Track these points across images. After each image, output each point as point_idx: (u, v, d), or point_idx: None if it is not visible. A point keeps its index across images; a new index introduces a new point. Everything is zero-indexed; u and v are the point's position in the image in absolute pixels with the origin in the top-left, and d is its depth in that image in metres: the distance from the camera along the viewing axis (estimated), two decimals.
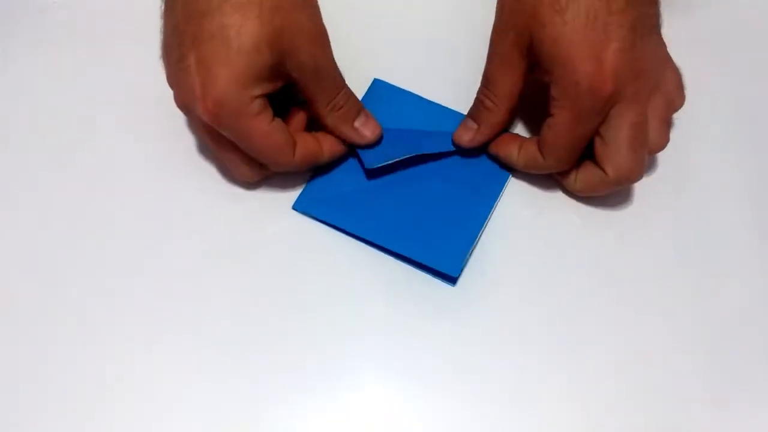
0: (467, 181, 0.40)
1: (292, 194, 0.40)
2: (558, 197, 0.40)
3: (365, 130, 0.39)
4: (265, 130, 0.35)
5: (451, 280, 0.38)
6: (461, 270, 0.38)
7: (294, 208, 0.40)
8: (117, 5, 0.46)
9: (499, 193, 0.40)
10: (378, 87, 0.42)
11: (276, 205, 0.40)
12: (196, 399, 0.36)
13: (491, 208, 0.39)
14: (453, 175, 0.40)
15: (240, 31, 0.33)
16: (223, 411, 0.35)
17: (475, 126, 0.39)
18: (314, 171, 0.40)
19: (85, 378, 0.36)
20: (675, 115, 0.39)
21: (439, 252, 0.38)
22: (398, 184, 0.40)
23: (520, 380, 0.36)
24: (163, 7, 0.36)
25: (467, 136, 0.39)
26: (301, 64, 0.35)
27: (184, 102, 0.36)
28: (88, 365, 0.36)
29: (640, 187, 0.40)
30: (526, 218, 0.39)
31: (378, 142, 0.40)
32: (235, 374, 0.36)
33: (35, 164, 0.41)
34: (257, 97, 0.35)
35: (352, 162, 0.41)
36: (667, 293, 0.38)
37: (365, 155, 0.39)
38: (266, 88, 0.35)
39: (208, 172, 0.41)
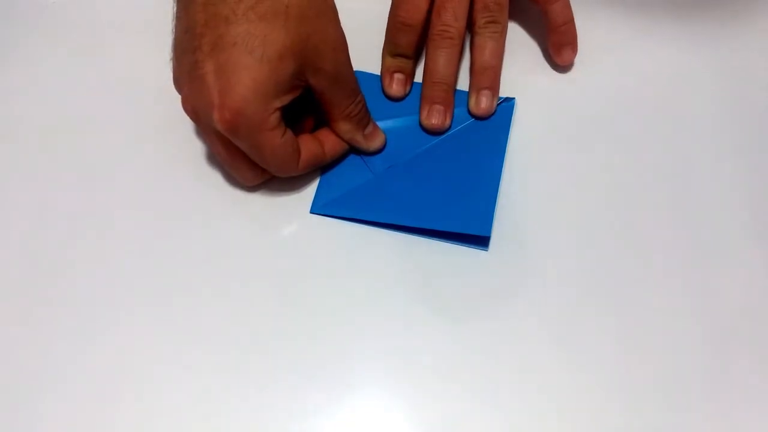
0: (471, 145, 0.41)
1: (302, 193, 0.40)
2: (550, 196, 0.40)
3: (375, 138, 0.40)
4: (277, 144, 0.35)
5: (484, 243, 0.39)
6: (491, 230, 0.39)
7: (312, 211, 0.40)
8: (117, 5, 0.45)
9: (504, 153, 0.41)
10: (360, 79, 0.42)
11: (287, 205, 0.40)
12: (197, 397, 0.36)
13: (501, 168, 0.40)
14: (456, 143, 0.41)
15: (265, 41, 0.33)
16: (230, 411, 0.35)
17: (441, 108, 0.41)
18: (321, 170, 0.41)
19: (89, 379, 0.36)
20: (674, 115, 0.41)
21: (467, 217, 0.39)
22: (406, 164, 0.41)
23: (520, 381, 0.36)
24: (175, 8, 0.36)
25: (438, 121, 0.41)
26: (323, 72, 0.35)
27: (195, 108, 0.35)
28: (93, 366, 0.36)
29: (640, 187, 0.40)
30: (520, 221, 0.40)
31: (383, 149, 0.41)
32: (244, 374, 0.36)
33: (36, 164, 0.41)
34: (276, 110, 0.34)
35: (355, 156, 0.41)
36: (667, 293, 0.38)
37: (370, 160, 0.41)
38: (285, 100, 0.35)
39: (213, 172, 0.40)
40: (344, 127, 0.39)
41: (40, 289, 0.38)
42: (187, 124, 0.41)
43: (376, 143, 0.40)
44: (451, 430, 0.35)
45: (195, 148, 0.41)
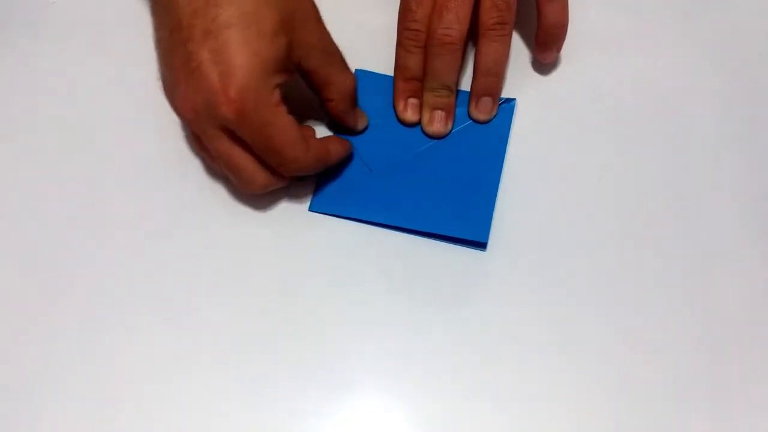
0: (471, 146, 0.41)
1: (301, 191, 0.40)
2: (549, 196, 0.40)
3: (362, 117, 0.41)
4: (286, 122, 0.35)
5: (482, 244, 0.39)
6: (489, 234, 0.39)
7: (311, 209, 0.40)
8: (117, 5, 0.45)
9: (504, 154, 0.41)
10: (362, 77, 0.42)
11: (286, 203, 0.40)
12: (197, 397, 0.36)
13: (501, 170, 0.40)
14: (456, 143, 0.41)
15: (258, 18, 0.33)
16: (230, 411, 0.36)
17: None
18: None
19: (88, 379, 0.36)
20: (674, 116, 0.41)
21: (465, 222, 0.39)
22: (405, 165, 0.41)
23: (520, 380, 0.36)
24: (154, 18, 0.36)
25: (439, 128, 0.41)
26: (313, 47, 0.36)
27: (195, 105, 0.34)
28: (93, 366, 0.36)
29: (640, 187, 0.40)
30: (524, 215, 0.40)
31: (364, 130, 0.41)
32: (244, 374, 0.36)
33: (36, 164, 0.41)
34: (277, 86, 0.34)
35: (353, 156, 0.41)
36: (666, 293, 0.38)
37: (369, 159, 0.41)
38: (283, 77, 0.35)
39: (213, 172, 0.40)
40: (340, 105, 0.39)
41: (39, 288, 0.38)
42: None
43: (363, 122, 0.41)
44: (451, 430, 0.35)
45: (194, 150, 0.41)
